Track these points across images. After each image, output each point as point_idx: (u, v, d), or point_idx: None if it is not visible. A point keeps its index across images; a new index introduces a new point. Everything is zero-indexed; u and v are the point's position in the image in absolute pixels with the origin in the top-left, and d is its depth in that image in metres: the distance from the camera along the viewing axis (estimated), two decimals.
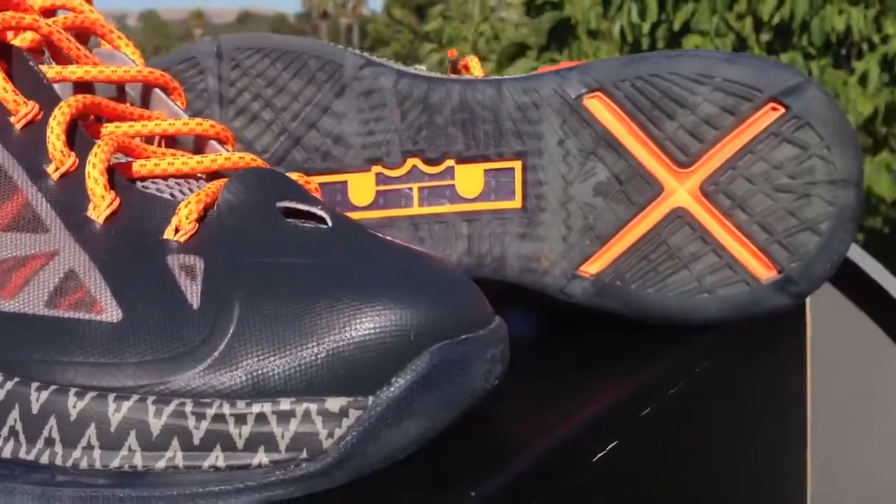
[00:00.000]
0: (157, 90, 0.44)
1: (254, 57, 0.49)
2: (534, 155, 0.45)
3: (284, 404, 0.26)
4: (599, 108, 0.44)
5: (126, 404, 0.27)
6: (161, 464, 0.26)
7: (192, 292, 0.30)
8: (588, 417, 0.37)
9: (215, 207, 0.34)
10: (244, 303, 0.29)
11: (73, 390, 0.27)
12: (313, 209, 0.35)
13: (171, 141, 0.45)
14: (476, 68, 0.56)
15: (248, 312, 0.29)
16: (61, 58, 0.42)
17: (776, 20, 2.52)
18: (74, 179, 0.34)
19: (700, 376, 0.45)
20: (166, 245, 0.32)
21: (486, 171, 0.47)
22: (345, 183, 0.48)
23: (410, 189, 0.48)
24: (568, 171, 0.45)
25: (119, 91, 0.45)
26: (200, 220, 0.33)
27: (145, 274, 0.31)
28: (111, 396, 0.27)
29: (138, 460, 0.26)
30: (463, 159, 0.46)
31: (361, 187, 0.48)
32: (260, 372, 0.27)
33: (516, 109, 0.45)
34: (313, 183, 0.41)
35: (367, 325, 0.27)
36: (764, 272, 0.43)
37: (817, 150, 0.43)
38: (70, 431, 0.27)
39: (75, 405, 0.27)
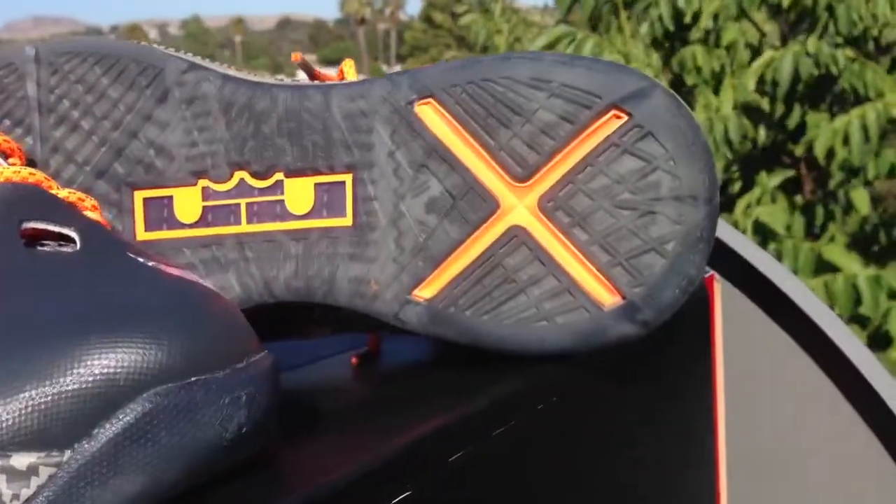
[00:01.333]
0: None
1: (73, 61, 0.44)
2: (364, 167, 0.39)
3: None
4: (431, 115, 0.38)
5: None
6: None
7: None
8: (376, 462, 0.30)
9: None
10: None
11: None
12: (64, 230, 0.30)
13: None
14: (351, 73, 0.51)
15: None
16: None
17: (794, 6, 2.42)
18: None
19: (544, 412, 0.40)
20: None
21: (316, 185, 0.40)
22: (170, 198, 0.43)
23: (238, 205, 0.43)
24: (399, 186, 0.39)
25: None
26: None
27: None
28: None
29: None
30: (292, 172, 0.40)
31: (187, 203, 0.43)
32: None
33: (345, 118, 0.39)
34: (90, 200, 0.36)
35: (69, 371, 0.23)
36: (607, 298, 0.37)
37: (662, 163, 0.36)
38: None
39: None
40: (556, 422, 0.38)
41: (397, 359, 0.47)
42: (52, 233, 0.30)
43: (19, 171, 0.34)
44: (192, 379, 0.24)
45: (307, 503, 0.27)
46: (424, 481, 0.32)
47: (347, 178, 0.39)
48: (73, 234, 0.30)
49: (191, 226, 0.41)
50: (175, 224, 0.41)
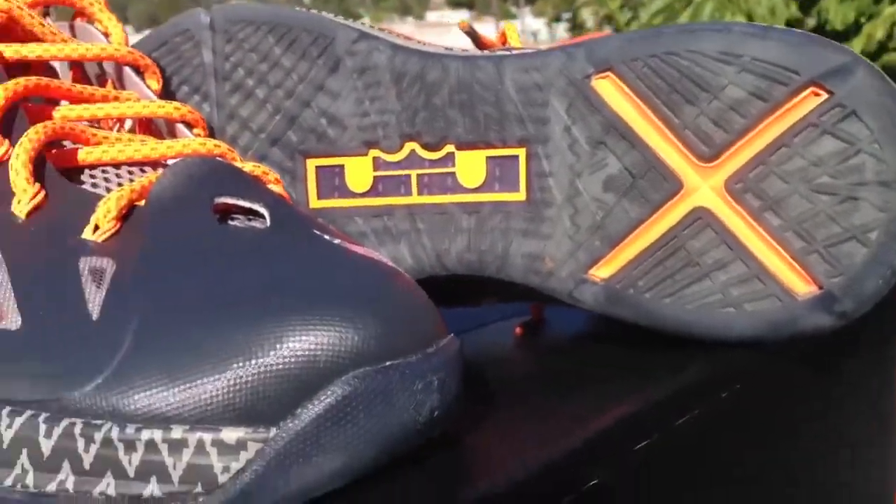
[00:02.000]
0: (127, 69, 0.36)
1: (246, 30, 0.43)
2: (538, 142, 0.36)
3: (176, 432, 0.23)
4: (610, 90, 0.35)
5: (18, 420, 0.24)
6: (52, 486, 0.23)
7: (95, 301, 0.25)
8: (559, 451, 0.28)
9: (146, 202, 0.29)
10: (145, 316, 0.24)
11: None
12: (254, 205, 0.29)
13: (147, 125, 0.42)
14: (514, 38, 0.49)
15: (147, 328, 0.24)
16: (26, 35, 0.39)
17: None
18: (4, 170, 0.29)
19: (727, 401, 0.38)
20: (82, 246, 0.27)
21: (488, 158, 0.37)
22: (342, 167, 0.43)
23: (409, 176, 0.42)
24: (575, 162, 0.36)
25: (95, 70, 0.38)
26: (124, 217, 0.28)
27: (54, 278, 0.26)
28: (5, 411, 0.24)
29: (30, 480, 0.23)
30: (463, 145, 0.38)
31: (359, 172, 0.43)
32: (152, 395, 0.23)
33: (518, 90, 0.36)
34: (272, 174, 0.32)
35: (271, 349, 0.23)
36: (801, 286, 0.34)
37: (866, 145, 0.32)
38: None
39: None
40: (738, 411, 0.36)
41: (562, 329, 0.45)
42: (241, 208, 0.29)
43: (205, 143, 0.34)
44: (388, 363, 0.23)
45: (494, 489, 0.27)
46: (609, 470, 0.30)
47: (521, 153, 0.38)
48: (263, 210, 0.29)
49: (362, 195, 0.40)
50: (346, 193, 0.41)
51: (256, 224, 0.29)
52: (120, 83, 0.38)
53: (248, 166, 0.33)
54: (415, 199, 0.39)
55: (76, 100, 0.34)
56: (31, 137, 0.30)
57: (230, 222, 0.29)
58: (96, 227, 0.28)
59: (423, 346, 0.25)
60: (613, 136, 0.35)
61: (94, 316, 0.25)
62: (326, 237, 0.28)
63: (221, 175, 0.30)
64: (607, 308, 0.37)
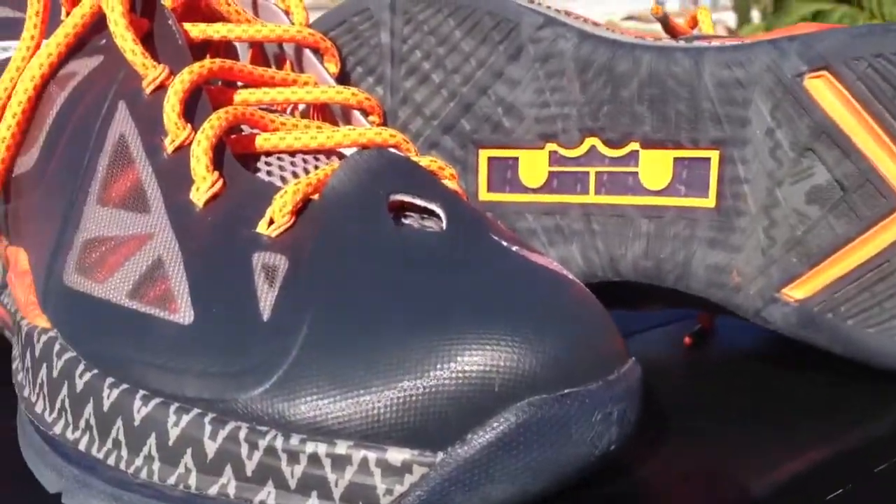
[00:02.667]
0: (307, 52, 0.34)
1: (427, 11, 0.41)
2: (735, 144, 0.32)
3: (341, 448, 0.21)
4: (824, 91, 0.31)
5: (185, 418, 0.22)
6: (214, 490, 0.22)
7: (267, 301, 0.23)
8: (748, 497, 0.25)
9: (321, 197, 0.26)
10: (316, 321, 0.22)
11: (140, 393, 0.23)
12: (430, 204, 0.26)
13: (323, 110, 0.40)
14: (706, 23, 0.45)
15: (318, 333, 0.22)
16: (211, 14, 0.38)
17: None
18: (186, 155, 0.27)
19: None
20: (256, 240, 0.25)
21: (675, 159, 0.33)
22: (516, 160, 0.40)
23: (587, 173, 0.38)
24: (776, 169, 0.31)
25: (274, 50, 0.36)
26: (299, 211, 0.27)
27: (228, 272, 0.24)
28: (173, 407, 0.23)
29: (193, 481, 0.22)
30: (650, 143, 0.34)
31: (533, 166, 0.39)
32: (318, 406, 0.21)
33: (718, 87, 0.32)
34: (449, 169, 0.29)
35: (444, 368, 0.21)
36: None
37: None
38: (134, 437, 0.23)
39: (139, 409, 0.23)
40: None
41: (736, 343, 0.42)
42: (416, 206, 0.27)
43: (381, 133, 0.32)
44: (566, 391, 0.21)
45: None
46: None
47: (713, 155, 0.34)
48: (439, 210, 0.26)
49: (535, 190, 0.38)
50: (519, 187, 0.38)
51: (431, 225, 0.27)
52: (298, 65, 0.36)
53: (425, 160, 0.30)
54: (591, 198, 0.36)
55: (256, 83, 0.33)
56: (214, 124, 0.28)
57: (404, 221, 0.27)
58: (271, 221, 0.26)
59: (605, 372, 0.22)
60: (824, 142, 0.31)
61: (265, 317, 0.23)
62: (504, 243, 0.26)
63: (398, 170, 0.28)
64: (798, 331, 0.32)
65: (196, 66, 0.30)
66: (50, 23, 0.34)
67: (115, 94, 0.32)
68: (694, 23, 0.39)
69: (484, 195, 0.37)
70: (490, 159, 0.37)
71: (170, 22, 0.32)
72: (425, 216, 0.28)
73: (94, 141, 0.31)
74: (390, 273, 0.25)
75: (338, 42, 0.39)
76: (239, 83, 0.34)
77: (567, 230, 0.36)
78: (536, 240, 0.36)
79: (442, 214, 0.27)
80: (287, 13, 0.37)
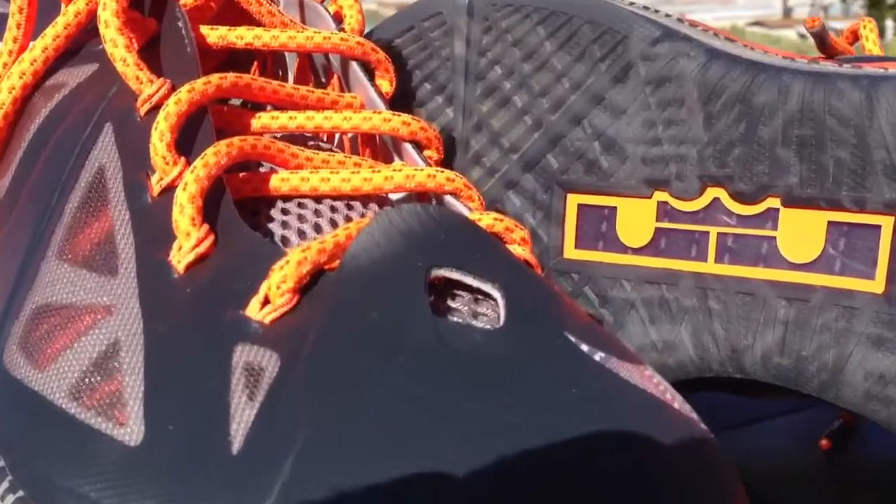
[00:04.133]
0: (354, 66, 0.26)
1: (513, 17, 0.32)
2: None
3: None
4: None
5: None
6: None
7: (242, 419, 0.17)
8: None
9: (338, 269, 0.18)
10: (304, 457, 0.15)
11: None
12: (485, 285, 0.19)
13: (368, 139, 0.31)
14: (871, 41, 0.34)
15: (306, 478, 0.15)
16: (241, 17, 0.30)
17: None
18: (168, 200, 0.20)
19: None
20: (242, 326, 0.18)
21: (830, 224, 0.24)
22: (613, 210, 0.31)
23: (706, 234, 0.27)
24: None
25: (321, 60, 0.29)
26: (306, 288, 0.19)
27: (197, 372, 0.18)
28: None
29: None
30: (795, 200, 0.25)
31: (636, 219, 0.28)
32: None
33: None
34: (519, 231, 0.21)
35: None
36: None
37: None
38: None
39: None
40: None
41: (891, 447, 0.32)
42: (466, 284, 0.19)
43: (435, 175, 0.23)
44: None
45: None
46: None
47: (885, 222, 0.25)
48: (496, 294, 0.18)
49: (636, 251, 0.29)
50: (615, 245, 0.29)
51: (486, 311, 0.19)
52: (345, 80, 0.28)
53: (488, 219, 0.22)
54: (711, 267, 0.27)
55: (282, 104, 0.25)
56: (209, 161, 0.21)
57: (451, 305, 0.19)
58: (266, 301, 0.18)
59: None
60: None
61: (236, 446, 0.17)
62: (585, 347, 0.17)
63: (448, 234, 0.19)
64: None
65: (199, 83, 0.22)
66: (39, 21, 0.27)
67: (102, 113, 0.25)
68: (854, 38, 0.30)
69: (570, 252, 0.29)
70: (581, 207, 0.28)
71: (179, 24, 0.25)
72: (479, 297, 0.19)
73: (69, 173, 0.24)
74: (420, 391, 0.16)
75: (404, 51, 0.31)
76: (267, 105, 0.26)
77: (675, 306, 0.27)
78: (634, 315, 0.27)
79: (500, 300, 0.19)
80: (339, 17, 0.29)
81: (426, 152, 0.26)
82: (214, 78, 0.23)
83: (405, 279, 0.19)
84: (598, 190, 0.28)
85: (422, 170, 0.24)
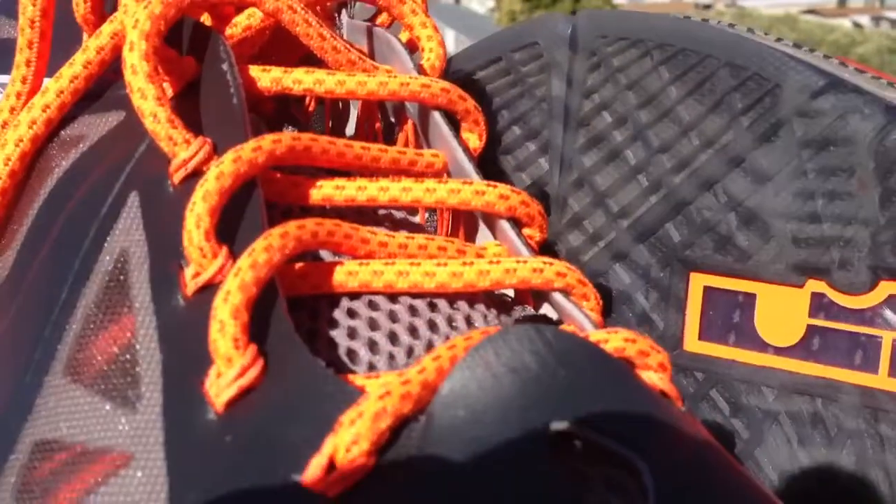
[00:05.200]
0: (435, 115, 0.21)
1: (627, 53, 0.26)
2: None
3: None
4: None
5: None
6: None
7: None
8: None
9: (425, 420, 0.13)
10: None
11: None
12: (630, 457, 0.13)
13: (460, 214, 0.25)
14: None
15: None
16: (293, 46, 0.24)
17: None
18: (204, 311, 0.15)
19: None
20: (299, 499, 0.13)
21: None
22: (751, 297, 0.22)
23: (878, 339, 0.20)
24: None
25: (394, 106, 0.23)
26: (385, 446, 0.14)
27: None
28: None
29: None
30: None
31: (782, 311, 0.22)
32: None
33: None
34: (657, 355, 0.15)
35: None
36: None
37: None
38: None
39: None
40: None
41: None
42: (598, 447, 0.14)
43: (542, 270, 0.18)
44: None
45: None
46: None
47: None
48: (642, 469, 0.13)
49: (780, 351, 0.23)
50: (752, 340, 0.23)
51: (621, 482, 0.13)
52: (423, 130, 0.23)
53: (616, 339, 0.16)
54: (883, 381, 0.21)
55: (350, 166, 0.19)
56: (258, 260, 0.15)
57: (575, 465, 0.13)
58: (331, 466, 0.13)
59: None
60: None
61: None
62: None
63: (569, 371, 0.14)
64: None
65: (247, 150, 0.17)
66: (53, 56, 0.22)
67: (127, 178, 0.19)
68: None
69: (693, 343, 0.23)
70: (708, 290, 0.23)
71: (224, 66, 0.19)
72: (605, 459, 0.14)
73: (84, 257, 0.19)
74: None
75: (488, 87, 0.25)
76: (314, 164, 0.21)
77: (834, 426, 0.21)
78: (777, 431, 0.22)
79: (648, 482, 0.13)
80: (411, 45, 0.23)
81: (526, 230, 0.20)
82: (267, 142, 0.17)
83: (520, 445, 0.13)
84: (732, 272, 0.22)
85: (525, 261, 0.18)
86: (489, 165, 0.24)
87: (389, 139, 0.26)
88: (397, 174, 0.20)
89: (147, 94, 0.18)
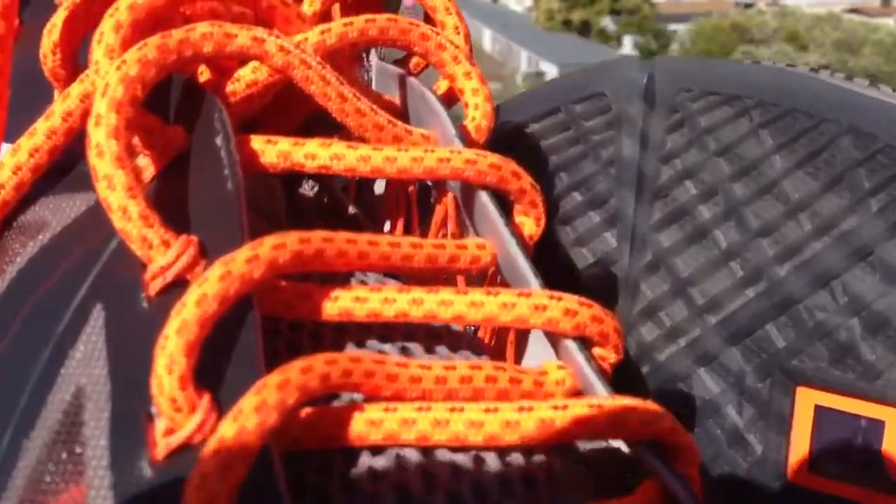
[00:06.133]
0: (482, 196, 0.16)
1: (719, 112, 0.21)
2: None
3: None
4: None
5: None
6: None
7: None
8: None
9: None
10: None
11: None
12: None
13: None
14: None
15: None
16: (301, 108, 0.20)
17: None
18: (181, 473, 0.12)
19: None
20: None
21: None
22: (879, 425, 0.20)
23: None
24: None
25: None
26: None
27: None
28: None
29: None
30: None
31: None
32: None
33: None
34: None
35: None
36: None
37: None
38: None
39: None
40: None
41: None
42: None
43: (624, 420, 0.13)
44: None
45: None
46: None
47: None
48: None
49: None
50: (878, 479, 0.18)
51: None
52: (466, 209, 0.18)
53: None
54: None
55: (377, 267, 0.15)
56: (247, 425, 0.11)
57: None
58: None
59: None
60: None
61: None
62: None
63: None
64: None
65: (239, 261, 0.13)
66: (12, 121, 0.18)
67: (93, 285, 0.15)
68: None
69: (801, 475, 0.18)
70: (821, 411, 0.18)
71: (217, 140, 0.15)
72: None
73: (31, 392, 0.15)
74: None
75: (543, 144, 0.21)
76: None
77: None
78: None
79: None
80: (449, 97, 0.19)
81: (598, 350, 0.15)
82: (266, 249, 0.13)
83: None
84: (854, 391, 0.17)
85: (603, 404, 0.14)
86: (542, 237, 0.19)
87: (425, 206, 0.21)
88: (434, 273, 0.16)
89: (115, 183, 0.14)
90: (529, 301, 0.15)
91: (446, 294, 0.15)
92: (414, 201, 0.21)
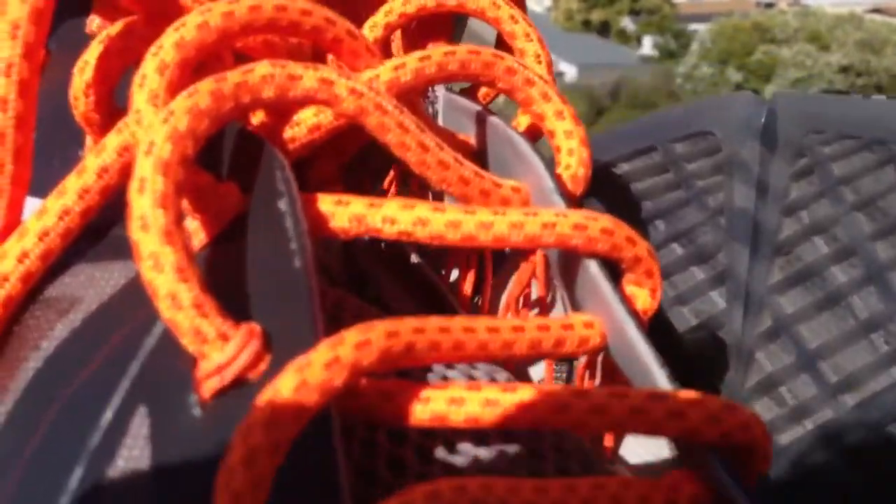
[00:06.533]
0: (591, 267, 0.13)
1: (858, 157, 0.18)
2: None
3: None
4: None
5: None
6: None
7: None
8: None
9: None
10: None
11: None
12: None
13: None
14: None
15: None
16: (350, 145, 0.16)
17: None
18: None
19: None
20: None
21: None
22: None
23: None
24: None
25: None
26: None
27: None
28: None
29: None
30: None
31: None
32: None
33: None
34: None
35: None
36: None
37: None
38: None
39: None
40: None
41: None
42: None
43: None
44: None
45: None
46: None
47: None
48: None
49: None
50: None
51: None
52: (564, 277, 0.15)
53: None
54: None
55: (472, 359, 0.12)
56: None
57: None
58: None
59: None
60: None
61: None
62: None
63: None
64: None
65: (318, 364, 0.10)
66: (42, 170, 0.16)
67: (134, 385, 0.12)
68: None
69: None
70: None
71: (282, 204, 0.12)
72: None
73: None
74: None
75: (633, 187, 0.18)
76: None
77: None
78: None
79: None
80: (532, 132, 0.16)
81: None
82: (347, 350, 0.11)
83: None
84: None
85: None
86: None
87: (499, 252, 0.19)
88: (538, 358, 0.13)
89: (163, 263, 0.11)
90: (641, 397, 0.12)
91: (562, 400, 0.12)
92: (488, 263, 0.18)
